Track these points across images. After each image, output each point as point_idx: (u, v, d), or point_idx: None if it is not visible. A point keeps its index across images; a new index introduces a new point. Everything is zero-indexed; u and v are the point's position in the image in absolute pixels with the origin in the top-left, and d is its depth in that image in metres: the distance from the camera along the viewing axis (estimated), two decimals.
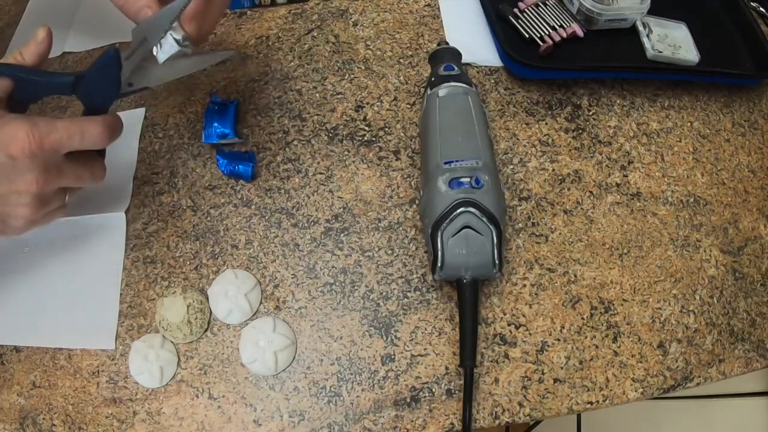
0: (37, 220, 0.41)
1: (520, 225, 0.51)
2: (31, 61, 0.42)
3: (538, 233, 0.50)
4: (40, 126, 0.37)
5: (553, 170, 0.53)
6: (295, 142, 0.55)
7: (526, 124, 0.56)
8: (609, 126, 0.56)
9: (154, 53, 0.41)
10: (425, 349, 0.46)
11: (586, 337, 0.47)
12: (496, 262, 0.43)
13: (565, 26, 0.58)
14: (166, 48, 0.41)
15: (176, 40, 0.41)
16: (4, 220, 0.40)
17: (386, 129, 0.55)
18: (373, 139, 0.55)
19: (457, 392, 0.45)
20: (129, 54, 0.41)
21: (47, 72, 0.42)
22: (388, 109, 0.56)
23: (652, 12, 0.59)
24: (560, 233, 0.51)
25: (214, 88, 0.58)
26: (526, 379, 0.45)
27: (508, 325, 0.47)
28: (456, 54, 0.54)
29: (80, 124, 0.40)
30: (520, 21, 0.59)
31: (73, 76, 0.41)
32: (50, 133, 0.38)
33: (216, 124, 0.54)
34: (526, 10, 0.60)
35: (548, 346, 0.46)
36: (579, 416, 1.19)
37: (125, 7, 0.41)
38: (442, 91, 0.50)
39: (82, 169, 0.42)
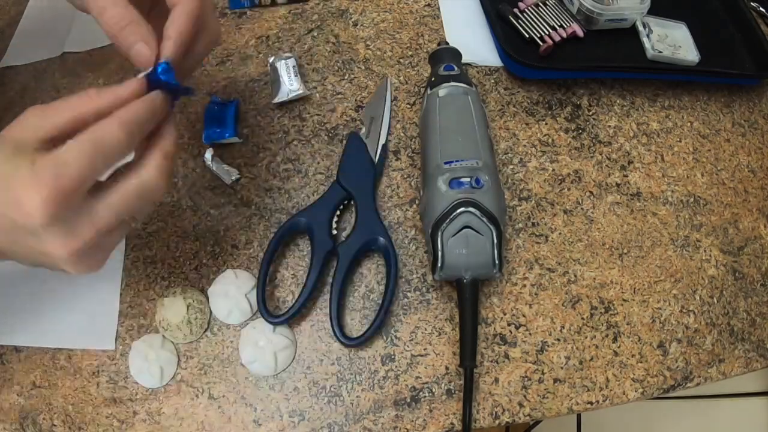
0: (94, 266, 0.34)
1: (520, 225, 0.51)
2: None
3: (538, 233, 0.50)
4: (43, 173, 0.29)
5: (553, 170, 0.53)
6: (295, 142, 0.55)
7: (526, 124, 0.56)
8: (609, 126, 0.56)
9: None
10: (425, 349, 0.46)
11: (586, 337, 0.47)
12: (496, 262, 0.43)
13: (565, 26, 0.58)
14: None
15: None
16: (48, 266, 0.33)
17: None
18: None
19: (457, 392, 0.45)
20: None
21: None
22: None
23: (652, 12, 0.59)
24: (560, 233, 0.51)
25: (214, 88, 0.58)
26: (526, 379, 0.45)
27: (508, 325, 0.47)
28: (456, 54, 0.54)
29: (93, 139, 0.30)
30: (520, 21, 0.59)
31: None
32: (59, 177, 0.29)
33: (216, 124, 0.54)
34: (526, 10, 0.60)
35: (548, 346, 0.46)
36: (579, 416, 1.19)
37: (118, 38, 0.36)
38: (442, 91, 0.50)
39: (131, 190, 0.32)
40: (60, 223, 0.30)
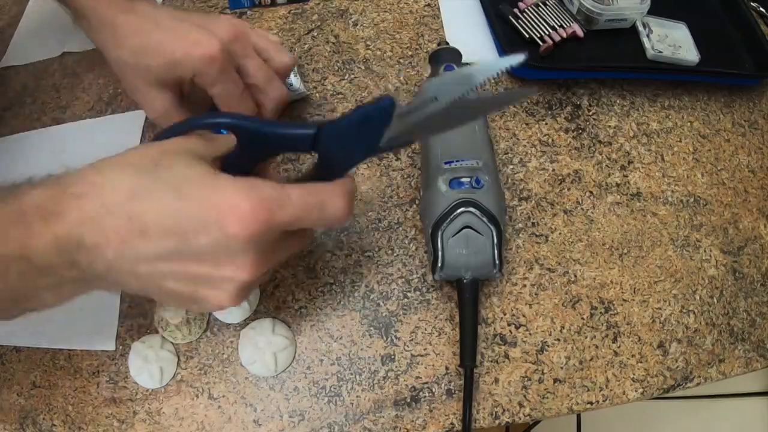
0: (240, 301, 0.33)
1: (520, 225, 0.51)
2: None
3: (538, 233, 0.50)
4: (269, 197, 0.29)
5: (553, 170, 0.53)
6: None
7: (526, 124, 0.56)
8: (609, 126, 0.56)
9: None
10: (425, 349, 0.46)
11: (586, 337, 0.47)
12: (496, 262, 0.43)
13: (565, 26, 0.58)
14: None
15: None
16: (196, 301, 0.32)
17: None
18: None
19: (457, 392, 0.45)
20: (408, 110, 0.33)
21: (284, 123, 0.35)
22: None
23: (652, 12, 0.59)
24: (560, 233, 0.51)
25: None
26: (526, 379, 0.45)
27: (508, 325, 0.47)
28: (456, 54, 0.54)
29: (319, 194, 0.31)
30: (520, 21, 0.59)
31: (315, 128, 0.32)
32: (283, 208, 0.29)
33: None
34: (526, 10, 0.60)
35: (548, 346, 0.46)
36: (579, 416, 1.19)
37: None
38: None
39: (293, 242, 0.34)
40: (260, 243, 0.29)
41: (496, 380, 0.45)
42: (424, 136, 0.36)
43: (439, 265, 0.43)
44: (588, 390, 0.45)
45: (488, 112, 0.39)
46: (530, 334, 0.47)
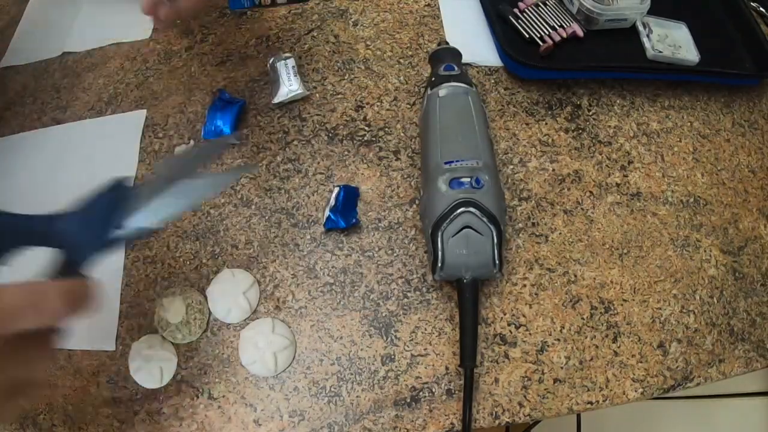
0: None
1: (520, 225, 0.51)
2: None
3: (538, 233, 0.50)
4: None
5: (553, 170, 0.53)
6: (295, 142, 0.55)
7: (526, 124, 0.56)
8: (609, 126, 0.56)
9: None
10: (425, 349, 0.46)
11: (586, 337, 0.47)
12: (497, 262, 0.43)
13: (565, 26, 0.58)
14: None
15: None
16: None
17: (386, 129, 0.55)
18: (373, 139, 0.55)
19: (457, 392, 0.45)
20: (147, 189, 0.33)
21: (14, 214, 0.31)
22: (388, 109, 0.56)
23: (652, 12, 0.59)
24: (560, 233, 0.51)
25: (214, 88, 0.58)
26: (526, 379, 0.45)
27: (508, 325, 0.47)
28: (456, 54, 0.54)
29: (34, 292, 0.28)
30: (520, 21, 0.59)
31: (47, 217, 0.30)
32: None
33: (218, 122, 0.54)
34: (526, 10, 0.60)
35: (548, 346, 0.46)
36: (579, 416, 1.19)
37: None
38: (442, 91, 0.50)
39: (32, 349, 0.30)
40: None
41: (496, 380, 0.45)
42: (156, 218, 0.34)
43: (439, 265, 0.43)
44: (588, 390, 0.45)
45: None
46: (530, 334, 0.47)
